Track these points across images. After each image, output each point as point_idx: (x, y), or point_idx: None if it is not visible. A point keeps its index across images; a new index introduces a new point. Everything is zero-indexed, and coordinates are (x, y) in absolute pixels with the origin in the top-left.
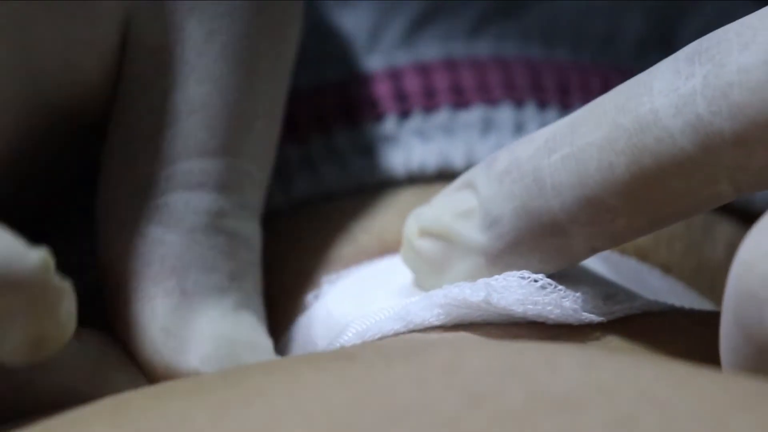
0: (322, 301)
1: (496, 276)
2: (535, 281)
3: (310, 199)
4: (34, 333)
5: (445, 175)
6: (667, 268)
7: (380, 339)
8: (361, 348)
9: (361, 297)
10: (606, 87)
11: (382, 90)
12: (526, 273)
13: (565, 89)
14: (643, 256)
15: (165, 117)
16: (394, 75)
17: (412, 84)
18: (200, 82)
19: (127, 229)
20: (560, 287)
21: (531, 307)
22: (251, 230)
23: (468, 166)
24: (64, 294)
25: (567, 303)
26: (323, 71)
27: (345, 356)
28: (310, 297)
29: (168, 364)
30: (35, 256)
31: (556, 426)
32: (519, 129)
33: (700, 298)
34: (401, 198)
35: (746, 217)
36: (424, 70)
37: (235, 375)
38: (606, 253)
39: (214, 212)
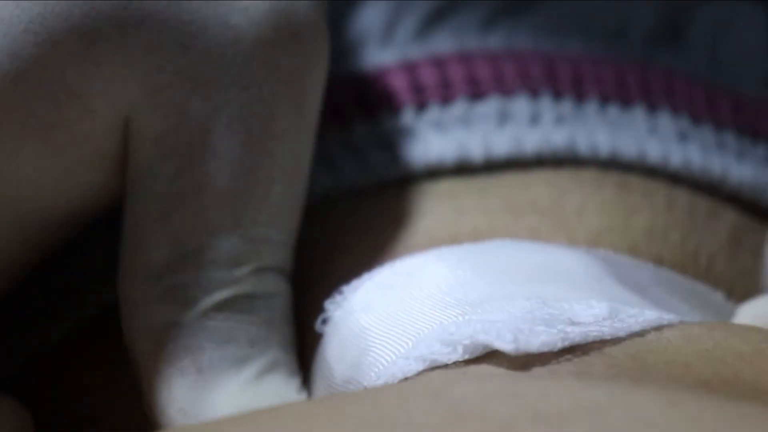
0: (346, 311)
1: (519, 311)
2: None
3: (328, 194)
4: None
5: (463, 168)
6: (659, 260)
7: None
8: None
9: (387, 310)
10: (620, 80)
11: (399, 83)
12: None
13: (579, 80)
14: (634, 250)
15: (172, 200)
16: (410, 68)
17: (428, 76)
18: (206, 162)
19: (140, 312)
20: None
21: (559, 344)
22: (273, 287)
23: (486, 158)
24: None
25: (597, 331)
26: (338, 65)
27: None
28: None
29: None
30: None
31: None
32: (535, 120)
33: (693, 282)
34: (441, 190)
35: (754, 208)
36: (438, 62)
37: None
38: (600, 251)
39: (227, 287)
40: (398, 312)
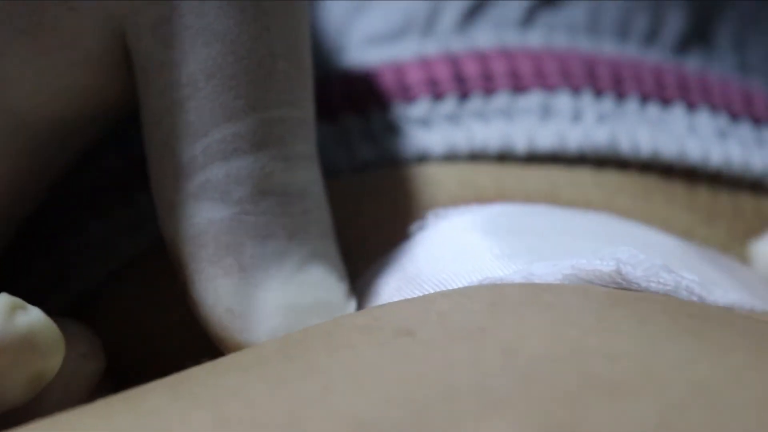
0: (434, 229)
1: (621, 251)
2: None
3: (369, 168)
4: (30, 377)
5: (506, 157)
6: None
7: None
8: (424, 323)
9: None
10: (658, 79)
11: (441, 73)
12: (642, 254)
13: (619, 79)
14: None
15: (184, 89)
16: (452, 59)
17: (471, 68)
18: (208, 44)
19: (177, 213)
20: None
21: (654, 284)
22: (304, 178)
23: (530, 149)
24: (50, 339)
25: (684, 283)
26: (375, 51)
27: (405, 332)
28: (414, 228)
29: (239, 343)
30: (20, 321)
31: (607, 411)
32: (577, 117)
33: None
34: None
35: None
36: (480, 56)
37: (295, 349)
38: (694, 244)
39: (257, 176)
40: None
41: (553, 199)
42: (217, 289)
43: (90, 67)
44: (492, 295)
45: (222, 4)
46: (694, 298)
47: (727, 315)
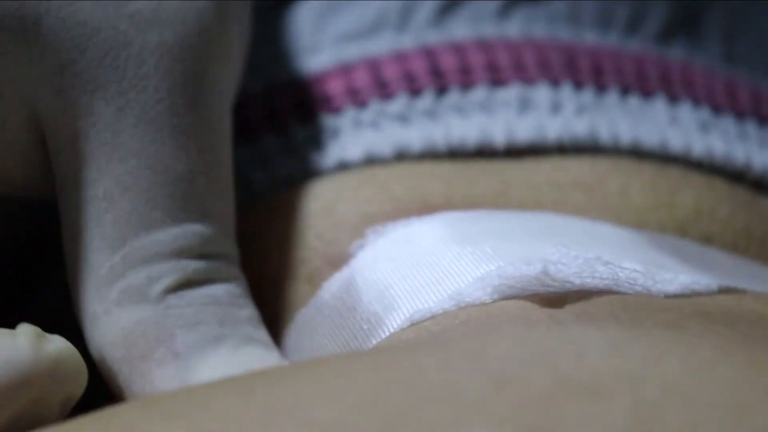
0: (370, 252)
1: (550, 251)
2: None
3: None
4: (62, 400)
5: (485, 151)
6: (708, 239)
7: (430, 319)
8: (389, 340)
9: (409, 261)
10: (639, 71)
11: (418, 67)
12: (573, 251)
13: (599, 71)
14: (683, 230)
15: (101, 203)
16: (429, 53)
17: (448, 62)
18: (124, 160)
19: (102, 323)
20: (614, 263)
21: (590, 279)
22: (226, 272)
23: (508, 143)
24: (76, 363)
25: (624, 275)
26: (353, 46)
27: (373, 349)
28: (354, 247)
29: None
30: (49, 350)
31: (581, 412)
32: (556, 108)
33: (745, 261)
34: (442, 168)
35: None
36: (458, 49)
37: (260, 372)
38: (647, 233)
39: (180, 275)
40: (423, 269)
41: (503, 199)
42: (153, 382)
43: (14, 155)
44: (457, 315)
45: (138, 123)
46: (639, 289)
47: (687, 317)
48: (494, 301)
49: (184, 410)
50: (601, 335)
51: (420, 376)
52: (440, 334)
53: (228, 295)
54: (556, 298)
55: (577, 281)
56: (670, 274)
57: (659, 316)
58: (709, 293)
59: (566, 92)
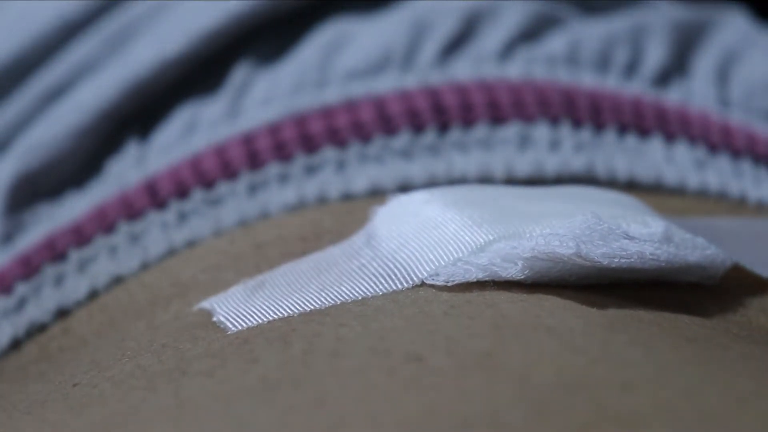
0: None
1: (578, 225)
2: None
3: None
4: None
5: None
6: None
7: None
8: (432, 347)
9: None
10: (636, 111)
11: (422, 104)
12: (604, 221)
13: (597, 110)
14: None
15: None
16: (431, 92)
17: (450, 100)
18: None
19: None
20: (646, 240)
21: (618, 260)
22: None
23: (508, 180)
24: None
25: (647, 250)
26: (356, 85)
27: (414, 357)
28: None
29: None
30: None
31: None
32: (555, 146)
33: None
34: None
35: None
36: (460, 89)
37: (301, 371)
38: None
39: None
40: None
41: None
42: None
43: None
44: (493, 316)
45: None
46: (662, 264)
47: (722, 337)
48: (526, 277)
49: (214, 426)
50: (645, 362)
51: (464, 402)
52: (483, 344)
53: None
54: (586, 299)
55: (605, 262)
56: (689, 234)
57: (707, 349)
58: (724, 267)
59: (565, 130)
